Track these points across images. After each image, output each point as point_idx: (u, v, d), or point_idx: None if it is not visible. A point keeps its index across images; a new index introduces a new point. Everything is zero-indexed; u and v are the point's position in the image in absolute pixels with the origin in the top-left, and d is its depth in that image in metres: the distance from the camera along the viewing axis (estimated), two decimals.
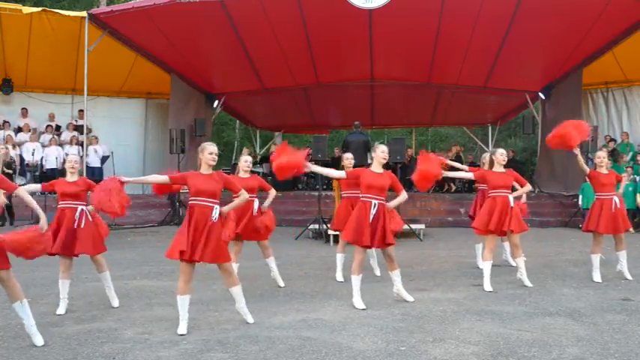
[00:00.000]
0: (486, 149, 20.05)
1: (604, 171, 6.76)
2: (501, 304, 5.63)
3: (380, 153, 5.61)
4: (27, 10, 12.10)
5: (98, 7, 18.35)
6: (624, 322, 4.93)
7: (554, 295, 6.02)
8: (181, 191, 13.38)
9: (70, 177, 5.49)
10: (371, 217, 5.41)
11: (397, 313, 5.27)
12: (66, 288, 5.41)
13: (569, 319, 5.05)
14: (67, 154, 9.13)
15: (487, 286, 6.21)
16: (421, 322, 4.97)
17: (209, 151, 4.86)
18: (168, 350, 4.23)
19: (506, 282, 6.58)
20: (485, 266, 6.32)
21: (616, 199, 6.68)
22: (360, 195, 5.62)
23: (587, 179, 7.22)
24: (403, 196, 5.72)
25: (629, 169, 12.42)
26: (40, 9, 12.31)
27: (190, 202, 4.75)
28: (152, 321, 5.07)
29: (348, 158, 7.26)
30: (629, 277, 6.79)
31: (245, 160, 6.48)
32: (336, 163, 14.65)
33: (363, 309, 5.38)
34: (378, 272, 7.24)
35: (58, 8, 15.53)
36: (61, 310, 5.33)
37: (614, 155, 13.21)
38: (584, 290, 6.25)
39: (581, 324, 4.89)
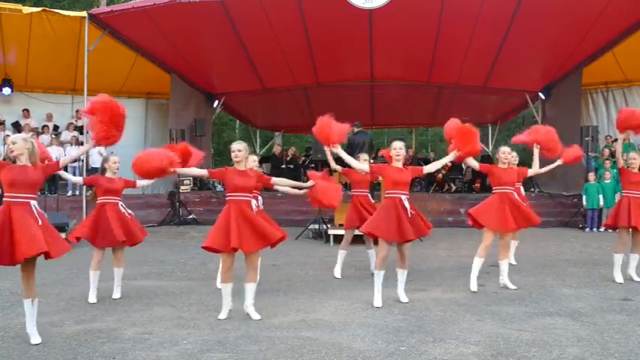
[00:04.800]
0: (486, 149, 20.07)
1: (635, 170, 6.76)
2: (501, 304, 5.63)
3: (392, 150, 5.67)
4: (27, 10, 12.05)
5: (98, 7, 18.35)
6: (624, 322, 4.93)
7: (554, 295, 6.02)
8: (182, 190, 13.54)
9: (112, 176, 6.12)
10: (409, 213, 5.44)
11: (397, 313, 5.27)
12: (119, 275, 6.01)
13: (569, 319, 5.05)
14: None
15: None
16: (421, 322, 4.97)
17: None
18: (168, 350, 4.23)
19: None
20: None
21: None
22: (386, 191, 5.59)
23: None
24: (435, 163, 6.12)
25: None
26: (40, 9, 12.26)
27: (228, 198, 5.04)
28: (152, 321, 5.06)
29: (366, 159, 7.15)
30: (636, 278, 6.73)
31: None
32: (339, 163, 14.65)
33: (378, 307, 5.43)
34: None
35: (58, 8, 15.49)
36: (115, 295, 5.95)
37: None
38: (584, 290, 6.26)
39: (581, 324, 4.88)
